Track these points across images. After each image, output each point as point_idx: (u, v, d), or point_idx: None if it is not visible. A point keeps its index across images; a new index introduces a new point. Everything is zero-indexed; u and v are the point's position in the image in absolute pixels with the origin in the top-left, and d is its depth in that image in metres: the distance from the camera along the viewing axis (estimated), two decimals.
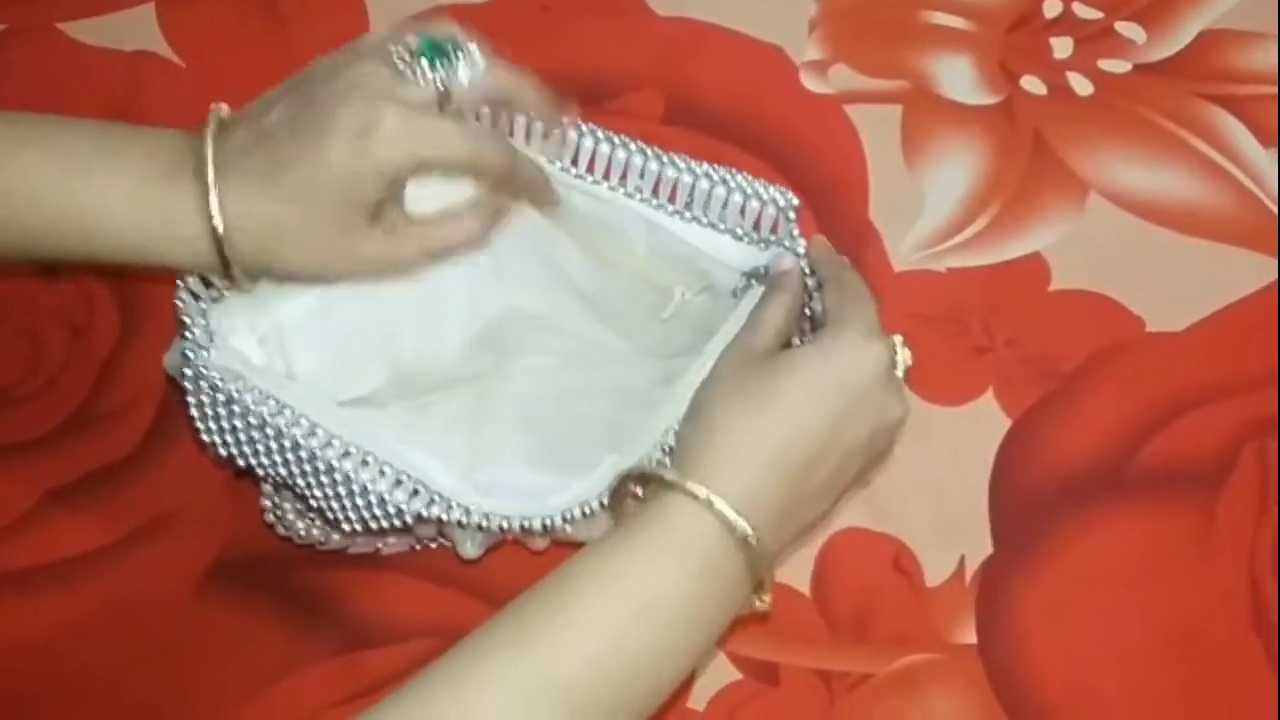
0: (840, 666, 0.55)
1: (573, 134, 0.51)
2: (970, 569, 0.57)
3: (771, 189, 0.51)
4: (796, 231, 0.50)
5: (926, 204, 0.66)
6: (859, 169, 0.67)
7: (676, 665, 0.38)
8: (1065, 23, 0.71)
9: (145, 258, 0.45)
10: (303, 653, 0.56)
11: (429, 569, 0.57)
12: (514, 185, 0.48)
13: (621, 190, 0.52)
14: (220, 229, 0.43)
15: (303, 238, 0.43)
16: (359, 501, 0.47)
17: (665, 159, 0.52)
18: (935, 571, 0.57)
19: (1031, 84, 0.70)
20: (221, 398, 0.47)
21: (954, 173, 0.67)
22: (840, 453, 0.41)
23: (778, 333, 0.45)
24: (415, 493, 0.47)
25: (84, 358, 0.63)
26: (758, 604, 0.40)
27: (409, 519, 0.47)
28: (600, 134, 0.52)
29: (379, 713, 0.37)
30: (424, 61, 0.45)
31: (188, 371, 0.48)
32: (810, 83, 0.70)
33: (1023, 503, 0.59)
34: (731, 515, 0.38)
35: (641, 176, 0.52)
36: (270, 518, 0.54)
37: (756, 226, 0.51)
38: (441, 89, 0.45)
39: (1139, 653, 0.55)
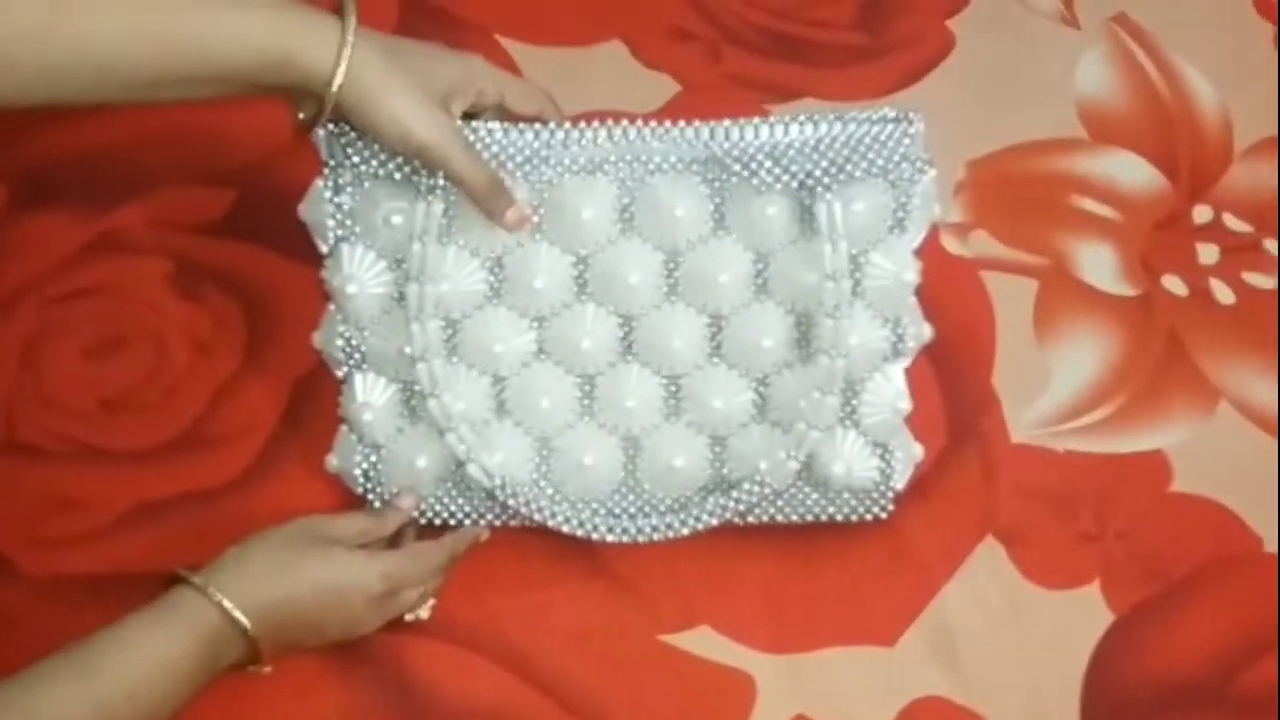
0: None
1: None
2: None
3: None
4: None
5: (1052, 382, 0.66)
6: (987, 334, 0.67)
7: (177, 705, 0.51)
8: (1214, 230, 0.71)
9: (252, 77, 0.50)
10: (359, 712, 0.55)
11: (494, 649, 0.57)
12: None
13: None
14: (345, 59, 0.49)
15: (401, 94, 0.51)
16: None
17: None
18: None
19: (1173, 283, 0.69)
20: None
21: (1083, 356, 0.67)
22: (323, 622, 0.55)
23: (345, 536, 0.56)
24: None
25: (204, 375, 0.63)
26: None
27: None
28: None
29: None
30: None
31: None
32: (949, 243, 0.70)
33: (1117, 702, 0.56)
34: (242, 619, 0.51)
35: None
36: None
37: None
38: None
39: None
